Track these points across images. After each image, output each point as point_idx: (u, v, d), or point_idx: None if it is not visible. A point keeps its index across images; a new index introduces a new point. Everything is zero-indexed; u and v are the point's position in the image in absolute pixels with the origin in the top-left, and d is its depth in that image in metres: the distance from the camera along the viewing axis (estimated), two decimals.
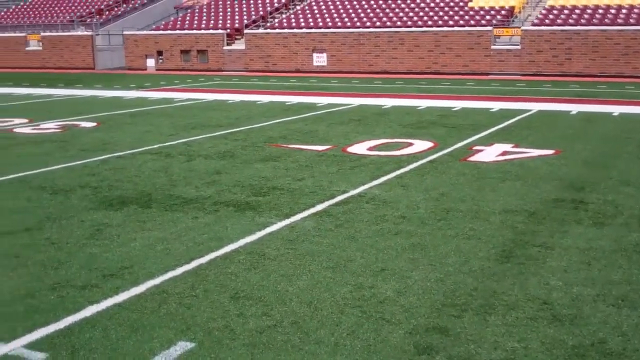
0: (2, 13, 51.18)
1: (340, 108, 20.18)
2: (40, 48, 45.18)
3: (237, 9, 42.53)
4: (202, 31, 40.23)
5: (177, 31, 41.06)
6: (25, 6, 51.46)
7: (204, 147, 13.53)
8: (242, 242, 7.38)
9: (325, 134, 15.09)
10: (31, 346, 4.96)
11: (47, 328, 5.26)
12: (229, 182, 10.28)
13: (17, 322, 5.39)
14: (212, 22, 41.61)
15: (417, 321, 5.30)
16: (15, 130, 16.42)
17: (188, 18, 42.87)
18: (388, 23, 36.52)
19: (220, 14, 42.53)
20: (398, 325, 5.24)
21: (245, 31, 39.01)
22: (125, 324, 5.32)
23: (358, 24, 37.09)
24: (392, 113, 18.79)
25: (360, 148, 13.13)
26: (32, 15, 49.54)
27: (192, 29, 40.91)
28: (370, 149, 13.06)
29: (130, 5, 47.75)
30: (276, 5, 42.02)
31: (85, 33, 44.17)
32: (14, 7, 51.84)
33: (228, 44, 39.59)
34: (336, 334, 5.09)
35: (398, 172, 10.86)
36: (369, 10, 38.29)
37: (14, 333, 5.18)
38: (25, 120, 18.18)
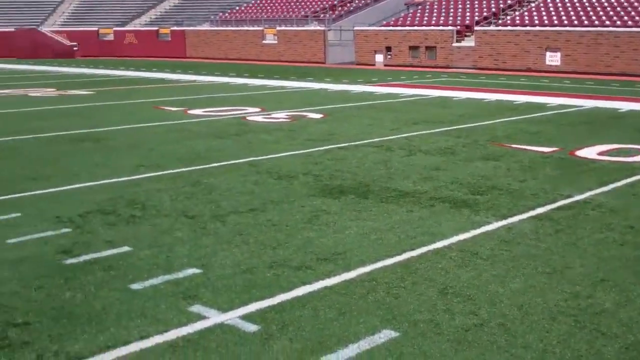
0: (243, 8, 54.49)
1: (572, 109, 19.28)
2: (276, 42, 47.54)
3: (468, 6, 42.04)
4: (432, 27, 40.23)
5: (407, 27, 41.39)
6: (263, 1, 54.38)
7: (425, 142, 13.52)
8: (455, 239, 7.29)
9: (553, 135, 14.48)
10: (245, 318, 5.25)
11: (262, 303, 5.54)
12: (447, 179, 10.19)
13: (235, 294, 5.72)
14: (442, 18, 41.49)
15: (635, 337, 4.93)
16: (248, 118, 17.43)
17: (418, 14, 43.07)
18: (629, 22, 34.29)
19: (451, 10, 42.27)
20: (614, 339, 4.91)
21: (476, 28, 38.46)
22: (334, 307, 5.46)
23: (596, 22, 35.20)
24: (628, 117, 17.63)
25: (589, 152, 12.45)
26: (270, 10, 52.26)
27: (422, 25, 41.04)
28: (600, 153, 12.34)
29: (362, 2, 48.83)
30: (509, 2, 40.98)
31: (318, 28, 45.83)
32: (253, 2, 54.96)
33: (457, 41, 39.26)
34: (545, 341, 4.88)
35: (630, 180, 10.16)
36: (608, 8, 36.19)
37: (231, 304, 5.51)
38: (258, 109, 19.23)
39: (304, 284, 5.97)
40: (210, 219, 8.02)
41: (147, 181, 10.10)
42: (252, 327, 5.09)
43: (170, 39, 53.41)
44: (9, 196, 9.13)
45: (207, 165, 11.24)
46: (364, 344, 4.82)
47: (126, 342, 4.85)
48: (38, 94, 23.88)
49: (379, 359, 4.64)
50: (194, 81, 30.04)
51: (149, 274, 6.21)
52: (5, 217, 8.09)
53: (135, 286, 5.91)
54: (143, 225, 7.79)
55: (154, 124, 16.36)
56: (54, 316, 5.30)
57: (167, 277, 6.14)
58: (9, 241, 7.16)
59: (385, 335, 4.97)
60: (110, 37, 56.21)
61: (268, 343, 4.85)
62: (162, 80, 30.33)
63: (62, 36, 55.06)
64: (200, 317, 5.26)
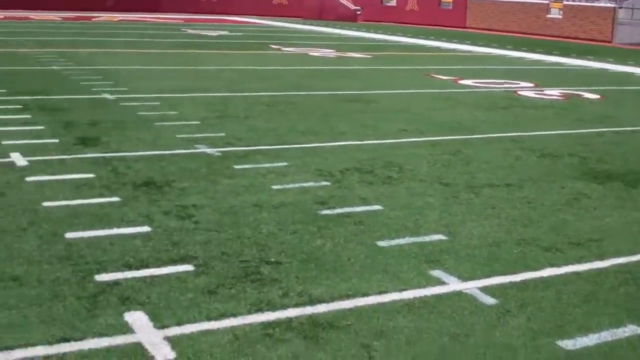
0: None
1: None
2: (560, 16, 45.44)
3: None
4: None
5: None
6: None
7: None
8: None
9: None
10: (484, 290, 5.20)
11: (503, 277, 5.45)
12: None
13: (478, 265, 5.68)
14: None
15: None
16: (519, 92, 16.95)
17: None
18: None
19: None
20: None
21: None
22: (579, 293, 5.22)
23: None
24: None
25: None
26: None
27: None
28: None
29: None
30: None
31: (609, 5, 43.07)
32: None
33: None
34: None
35: None
36: None
37: (472, 274, 5.48)
38: (531, 85, 18.61)
39: (552, 265, 5.76)
40: (464, 189, 7.99)
41: (408, 145, 10.28)
42: (490, 300, 5.03)
43: (451, 7, 53.25)
44: (280, 146, 9.78)
45: (470, 136, 11.16)
46: (606, 335, 4.57)
47: (365, 294, 5.04)
48: (317, 54, 25.10)
49: (619, 353, 4.38)
50: (470, 52, 29.74)
51: (397, 233, 6.36)
52: (275, 164, 8.69)
53: (381, 243, 6.09)
54: (397, 186, 7.97)
55: (423, 90, 16.52)
56: (303, 260, 5.64)
57: (413, 239, 6.24)
58: (274, 187, 7.71)
59: (631, 330, 4.66)
60: (393, 3, 57.25)
61: (504, 318, 4.77)
62: (438, 49, 30.40)
63: (347, 0, 57.16)
64: (440, 282, 5.30)
